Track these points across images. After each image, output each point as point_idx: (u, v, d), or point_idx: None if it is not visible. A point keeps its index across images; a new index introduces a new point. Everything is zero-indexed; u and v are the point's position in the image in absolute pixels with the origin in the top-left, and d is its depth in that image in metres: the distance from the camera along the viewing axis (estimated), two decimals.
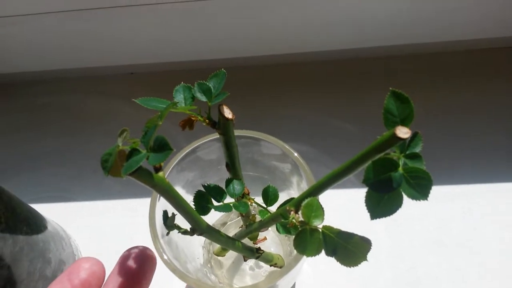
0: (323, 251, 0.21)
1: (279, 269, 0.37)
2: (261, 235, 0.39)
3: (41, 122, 0.56)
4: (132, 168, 0.18)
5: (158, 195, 0.29)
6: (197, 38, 0.52)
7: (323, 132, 0.51)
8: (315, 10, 0.48)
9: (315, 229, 0.21)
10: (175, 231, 0.26)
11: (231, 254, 0.40)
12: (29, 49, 0.54)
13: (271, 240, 0.41)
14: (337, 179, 0.20)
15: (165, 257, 0.26)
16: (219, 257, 0.40)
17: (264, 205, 0.29)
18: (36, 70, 0.58)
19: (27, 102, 0.58)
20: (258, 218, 0.31)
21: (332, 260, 0.21)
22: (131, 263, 0.23)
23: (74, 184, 0.51)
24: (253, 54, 0.55)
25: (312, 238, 0.21)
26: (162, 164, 0.21)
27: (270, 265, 0.36)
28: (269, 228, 0.40)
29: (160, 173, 0.21)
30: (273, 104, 0.54)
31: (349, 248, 0.20)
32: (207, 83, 0.25)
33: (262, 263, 0.39)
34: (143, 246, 0.24)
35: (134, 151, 0.20)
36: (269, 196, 0.29)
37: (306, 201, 0.21)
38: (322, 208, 0.21)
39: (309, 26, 0.50)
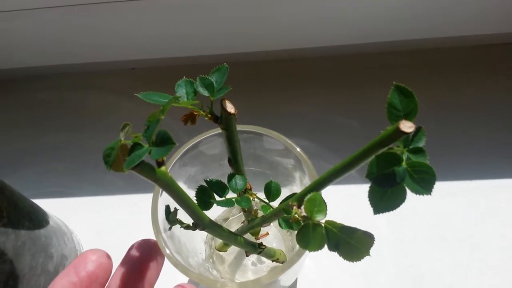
0: (325, 246, 0.21)
1: (281, 264, 0.36)
2: (263, 230, 0.39)
3: (41, 118, 0.56)
4: (135, 162, 0.18)
5: (161, 190, 0.29)
6: (198, 33, 0.52)
7: (324, 128, 0.51)
8: (315, 6, 0.47)
9: (318, 224, 0.21)
10: (177, 226, 0.26)
11: (233, 249, 0.40)
12: (29, 44, 0.54)
13: (273, 236, 0.41)
14: (340, 173, 0.20)
15: (168, 251, 0.26)
16: (221, 252, 0.40)
17: (266, 200, 0.29)
18: (36, 66, 0.58)
19: (27, 98, 0.58)
20: (260, 213, 0.31)
21: (334, 255, 0.21)
22: (139, 255, 0.23)
23: (75, 179, 0.51)
24: (253, 49, 0.55)
25: (315, 233, 0.21)
26: (165, 158, 0.21)
27: (272, 261, 0.36)
28: (271, 224, 0.40)
29: (163, 168, 0.21)
30: (273, 101, 0.54)
31: (352, 243, 0.20)
32: (209, 78, 0.25)
33: (264, 259, 0.39)
34: (151, 239, 0.24)
35: (136, 146, 0.20)
36: (272, 191, 0.29)
37: (309, 196, 0.21)
38: (325, 203, 0.21)
39: (309, 21, 0.50)
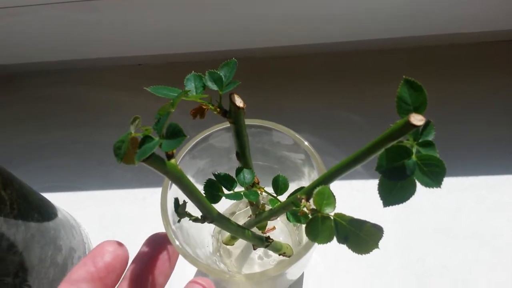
0: (334, 239, 0.21)
1: (288, 258, 0.37)
2: (270, 224, 0.39)
3: (45, 113, 0.56)
4: (146, 154, 0.18)
5: (170, 183, 0.29)
6: (204, 30, 0.52)
7: (328, 123, 0.51)
8: (318, 2, 0.47)
9: (327, 217, 0.21)
10: (186, 218, 0.26)
11: (240, 243, 0.40)
12: (34, 40, 0.54)
13: (280, 230, 0.41)
14: (350, 167, 0.20)
15: (177, 243, 0.26)
16: (228, 246, 0.40)
17: (274, 194, 0.29)
18: (41, 61, 0.58)
19: (31, 93, 0.58)
20: (268, 207, 0.31)
21: (341, 248, 0.21)
22: (153, 248, 0.24)
23: (81, 174, 0.51)
24: (257, 46, 0.55)
25: (324, 226, 0.21)
26: (174, 151, 0.22)
27: (279, 254, 0.36)
28: (278, 218, 0.40)
29: (172, 160, 0.21)
30: (276, 97, 0.54)
31: (360, 236, 0.20)
32: (218, 72, 0.26)
33: (271, 252, 0.39)
34: (164, 232, 0.24)
35: (147, 138, 0.20)
36: (279, 185, 0.30)
37: (317, 189, 0.21)
38: (334, 196, 0.21)
39: (312, 17, 0.50)
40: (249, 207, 0.42)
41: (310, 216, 0.27)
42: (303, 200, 0.23)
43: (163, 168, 0.21)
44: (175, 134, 0.19)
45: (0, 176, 0.28)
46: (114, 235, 0.46)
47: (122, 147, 0.20)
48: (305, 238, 0.39)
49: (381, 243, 0.20)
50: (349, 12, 0.49)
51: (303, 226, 0.40)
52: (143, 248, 0.24)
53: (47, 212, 0.35)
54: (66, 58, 0.57)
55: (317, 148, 0.31)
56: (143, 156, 0.18)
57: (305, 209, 0.22)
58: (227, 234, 0.39)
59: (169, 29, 0.52)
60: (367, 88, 0.53)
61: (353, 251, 0.21)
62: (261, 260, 0.40)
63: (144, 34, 0.53)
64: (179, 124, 0.19)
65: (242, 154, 0.29)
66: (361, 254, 0.21)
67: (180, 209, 0.26)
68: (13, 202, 0.28)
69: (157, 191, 0.48)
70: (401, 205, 0.21)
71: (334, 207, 0.21)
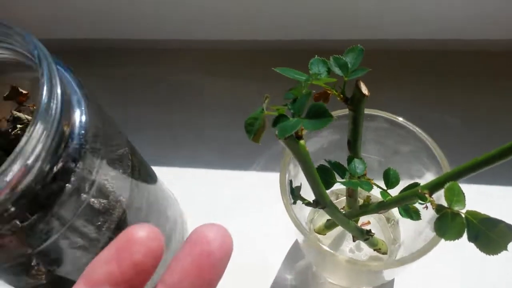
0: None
1: (381, 254, 0.36)
2: (364, 219, 0.39)
3: (132, 90, 0.57)
4: (288, 133, 0.19)
5: (287, 165, 0.29)
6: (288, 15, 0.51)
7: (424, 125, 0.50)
8: None
9: (458, 214, 0.20)
10: (299, 202, 0.27)
11: (331, 234, 0.40)
12: (124, 17, 0.55)
13: (372, 226, 0.40)
14: (488, 163, 0.20)
15: (294, 215, 0.27)
16: (319, 235, 0.40)
17: (384, 187, 0.29)
18: (126, 38, 0.59)
19: (114, 70, 0.59)
20: (372, 200, 0.31)
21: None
22: (205, 245, 0.17)
23: (162, 153, 0.51)
24: (326, 37, 0.53)
25: (454, 223, 0.20)
26: (304, 132, 0.22)
27: (374, 249, 0.36)
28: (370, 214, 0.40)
29: (302, 141, 0.22)
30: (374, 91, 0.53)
31: (491, 236, 0.20)
32: (343, 58, 0.26)
33: (363, 246, 0.39)
34: (219, 225, 0.17)
35: (282, 117, 0.20)
36: (390, 178, 0.29)
37: (448, 184, 0.21)
38: (463, 194, 0.21)
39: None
40: (339, 200, 0.42)
41: (420, 213, 0.27)
42: (426, 195, 0.23)
43: (295, 148, 0.21)
44: (320, 115, 0.19)
45: (129, 144, 0.30)
46: (207, 214, 0.46)
47: (255, 124, 0.21)
48: (402, 237, 0.38)
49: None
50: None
51: (400, 224, 0.39)
52: (189, 245, 0.17)
53: (158, 183, 0.36)
54: (158, 37, 0.58)
55: None
56: (285, 134, 0.19)
57: (430, 204, 0.22)
58: (319, 223, 0.39)
59: (253, 13, 0.51)
60: (471, 91, 0.51)
61: (481, 251, 0.20)
62: (352, 253, 0.40)
63: (227, 18, 0.53)
64: (324, 105, 0.19)
65: (354, 143, 0.29)
66: (489, 254, 0.20)
67: (295, 192, 0.26)
68: (139, 169, 0.30)
69: (243, 174, 0.48)
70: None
71: (464, 204, 0.21)
